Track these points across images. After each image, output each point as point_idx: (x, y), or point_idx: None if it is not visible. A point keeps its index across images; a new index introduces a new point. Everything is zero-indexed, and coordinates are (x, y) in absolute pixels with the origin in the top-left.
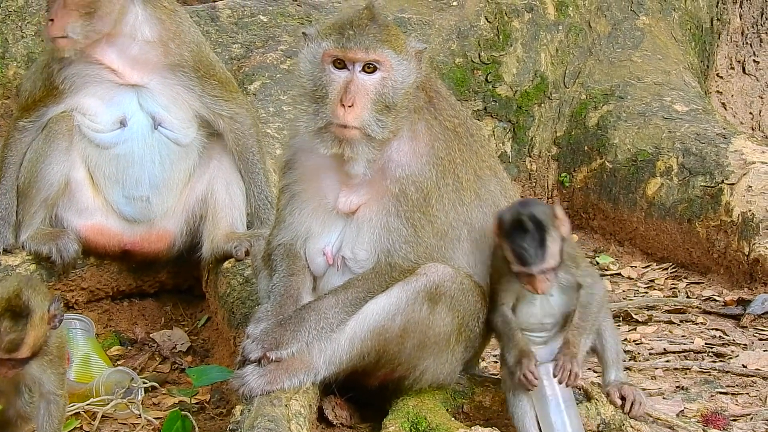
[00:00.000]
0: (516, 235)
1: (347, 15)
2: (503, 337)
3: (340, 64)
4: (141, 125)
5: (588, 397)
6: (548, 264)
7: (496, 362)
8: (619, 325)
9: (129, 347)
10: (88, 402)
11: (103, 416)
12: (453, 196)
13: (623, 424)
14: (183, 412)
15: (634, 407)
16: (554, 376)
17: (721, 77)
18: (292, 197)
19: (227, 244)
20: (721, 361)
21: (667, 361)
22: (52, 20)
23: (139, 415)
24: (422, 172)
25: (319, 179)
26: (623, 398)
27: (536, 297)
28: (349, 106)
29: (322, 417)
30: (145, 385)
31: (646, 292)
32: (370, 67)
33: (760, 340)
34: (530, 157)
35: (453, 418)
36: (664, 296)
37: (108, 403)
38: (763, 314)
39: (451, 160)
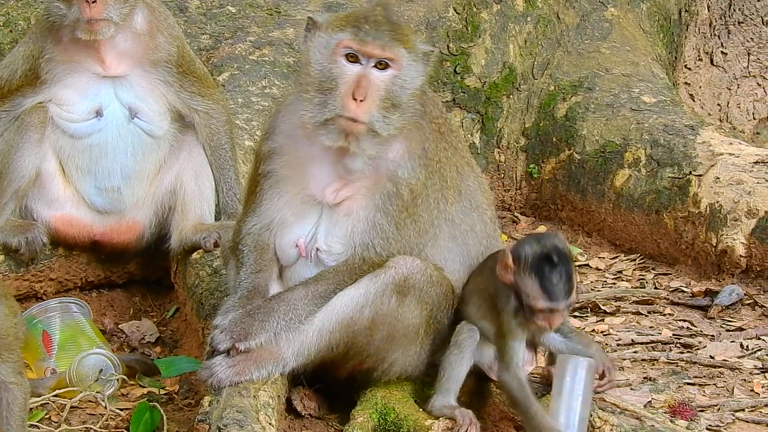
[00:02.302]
0: (544, 270)
1: (361, 9)
2: (519, 405)
3: (353, 57)
4: (116, 116)
5: None
6: (573, 298)
7: None
8: (587, 316)
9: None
10: (53, 393)
11: (72, 407)
12: (438, 195)
13: (590, 415)
14: (151, 403)
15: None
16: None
17: (689, 69)
18: (275, 183)
19: (196, 235)
20: (688, 352)
21: (635, 352)
22: (95, 2)
23: (105, 406)
24: (415, 173)
25: (306, 168)
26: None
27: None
28: (361, 101)
29: (290, 408)
30: (114, 377)
31: (614, 283)
32: (382, 64)
33: (728, 331)
34: (498, 148)
35: (421, 409)
36: (631, 287)
37: (78, 394)
38: (730, 305)
39: (438, 160)
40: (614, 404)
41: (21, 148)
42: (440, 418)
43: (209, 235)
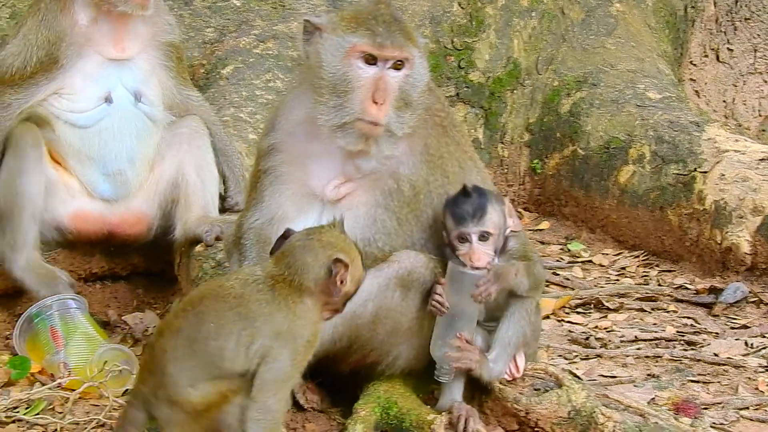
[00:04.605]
0: (458, 200)
1: (367, 9)
2: None
3: (371, 60)
4: (123, 100)
5: (559, 384)
6: (486, 226)
7: None
8: (590, 313)
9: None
10: (57, 384)
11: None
12: (441, 191)
13: (594, 412)
14: None
15: None
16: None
17: (695, 65)
18: (276, 179)
19: (199, 228)
20: (692, 349)
21: (639, 349)
22: None
23: (108, 397)
24: (417, 169)
25: (306, 165)
26: None
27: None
28: (381, 104)
29: (293, 401)
30: (118, 368)
31: (618, 280)
32: (398, 64)
33: (732, 328)
34: (502, 143)
35: (424, 404)
36: (635, 284)
37: (81, 385)
38: (734, 303)
39: (440, 156)
40: (618, 401)
41: (24, 171)
42: (442, 413)
43: (211, 229)
